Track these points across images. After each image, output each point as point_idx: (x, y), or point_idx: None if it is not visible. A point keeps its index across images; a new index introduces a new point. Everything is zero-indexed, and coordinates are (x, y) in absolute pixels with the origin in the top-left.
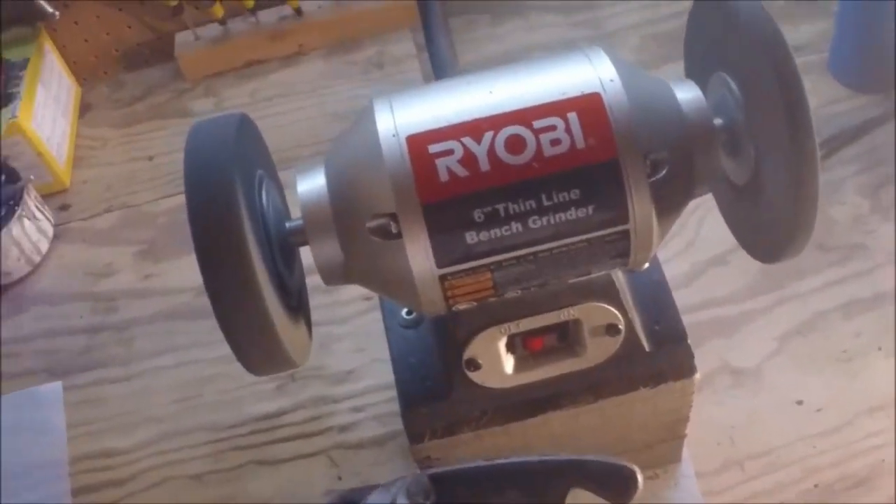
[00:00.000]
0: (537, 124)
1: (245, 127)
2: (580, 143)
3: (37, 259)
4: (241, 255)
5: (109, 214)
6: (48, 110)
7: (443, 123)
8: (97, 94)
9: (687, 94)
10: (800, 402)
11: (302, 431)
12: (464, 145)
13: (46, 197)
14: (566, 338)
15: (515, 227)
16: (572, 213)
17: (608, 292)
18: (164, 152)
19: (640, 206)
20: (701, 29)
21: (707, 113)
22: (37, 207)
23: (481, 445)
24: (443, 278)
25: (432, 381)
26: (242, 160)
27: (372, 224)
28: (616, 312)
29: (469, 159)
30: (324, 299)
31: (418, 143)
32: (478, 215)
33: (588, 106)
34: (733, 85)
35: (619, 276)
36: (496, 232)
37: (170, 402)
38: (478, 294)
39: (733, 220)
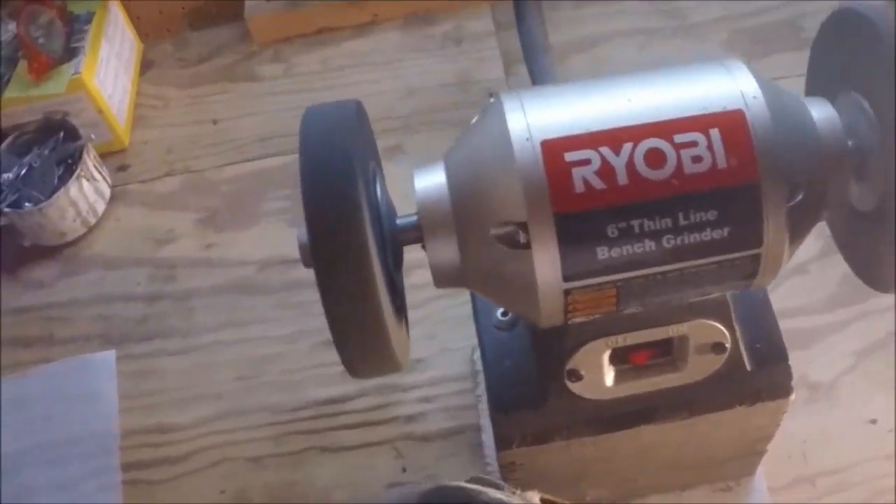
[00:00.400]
0: (678, 139)
1: (362, 115)
2: (721, 163)
3: (92, 221)
4: (363, 260)
5: (170, 178)
6: (111, 66)
7: (579, 130)
8: (160, 51)
9: (821, 113)
10: (873, 422)
11: (367, 419)
12: (601, 156)
13: (104, 156)
14: (670, 353)
15: (649, 245)
16: (707, 235)
17: (720, 311)
18: (230, 117)
19: (776, 231)
20: (833, 44)
21: (842, 135)
22: (95, 168)
23: (568, 454)
24: (567, 292)
25: (527, 388)
26: (362, 153)
27: (498, 231)
28: (725, 331)
29: (607, 171)
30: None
31: (554, 149)
32: (612, 230)
33: (731, 123)
34: (866, 105)
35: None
36: (628, 249)
37: (229, 380)
38: (598, 309)
39: (848, 244)
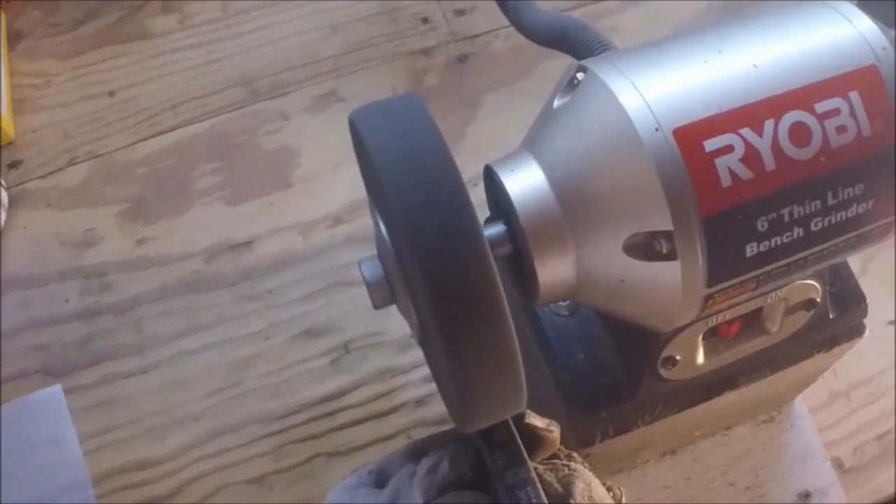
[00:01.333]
0: (820, 108)
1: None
2: (866, 130)
3: None
4: (496, 309)
5: (75, 168)
6: None
7: (713, 110)
8: (27, 18)
9: None
10: (891, 323)
11: (372, 412)
12: (744, 139)
13: None
14: (759, 317)
15: (797, 232)
16: (853, 210)
17: (820, 269)
18: (128, 85)
19: None
20: None
21: None
22: None
23: (647, 432)
24: (708, 297)
25: (609, 379)
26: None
27: (631, 242)
28: (818, 287)
29: (752, 157)
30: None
31: (690, 138)
32: (762, 224)
33: (869, 82)
34: None
35: None
36: (777, 240)
37: (205, 395)
38: (731, 303)
39: None
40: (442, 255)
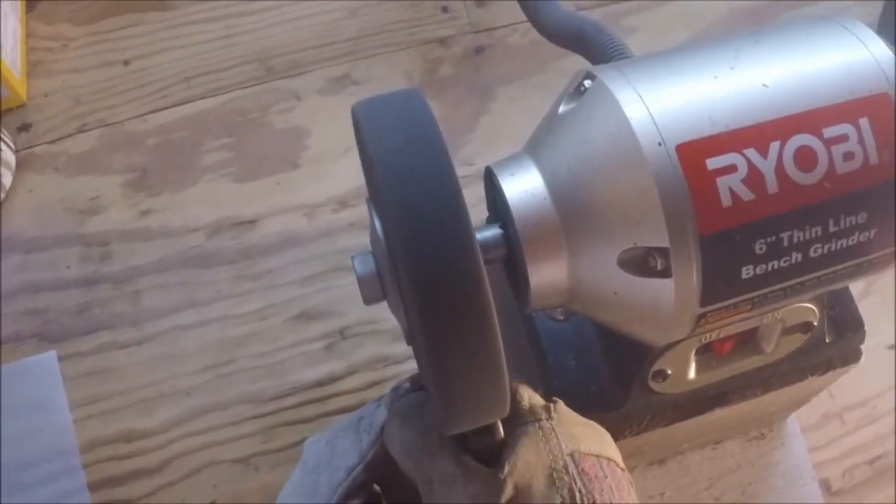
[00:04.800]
0: (828, 133)
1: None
2: (873, 158)
3: (0, 197)
4: (484, 313)
5: (84, 135)
6: None
7: (719, 128)
8: None
9: None
10: (890, 347)
11: (363, 400)
12: (748, 160)
13: (0, 115)
14: (754, 336)
15: (795, 257)
16: (854, 239)
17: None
18: (144, 55)
19: None
20: None
21: None
22: None
23: (633, 443)
24: (700, 316)
25: (598, 387)
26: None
27: (626, 256)
28: (816, 311)
29: (755, 178)
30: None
31: (692, 155)
32: (760, 247)
33: (879, 110)
34: None
35: None
36: (774, 264)
37: (197, 371)
38: (725, 323)
39: None
40: (432, 260)
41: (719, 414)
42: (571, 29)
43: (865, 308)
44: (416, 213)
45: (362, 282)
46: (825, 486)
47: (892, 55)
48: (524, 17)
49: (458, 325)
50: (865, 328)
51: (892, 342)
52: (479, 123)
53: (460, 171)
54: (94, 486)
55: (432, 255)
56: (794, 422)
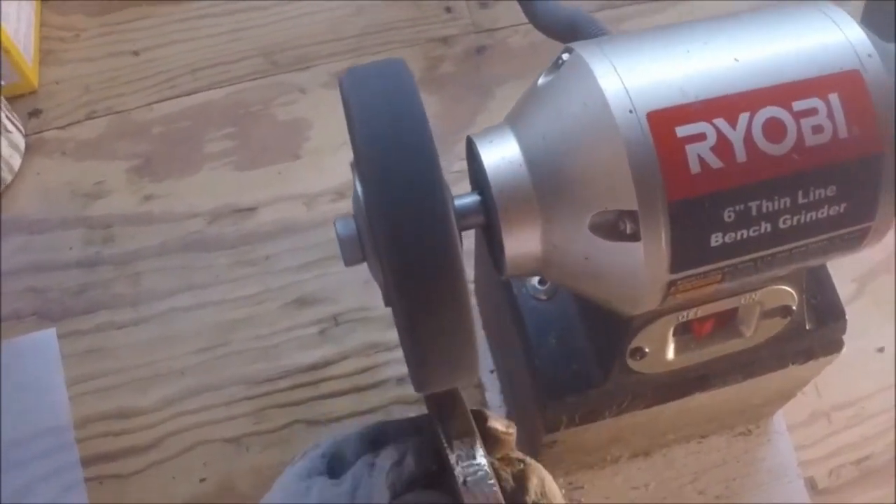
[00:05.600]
0: (797, 106)
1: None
2: (843, 133)
3: (9, 178)
4: (455, 277)
5: (93, 122)
6: None
7: (690, 98)
8: None
9: None
10: (881, 350)
11: (354, 385)
12: (717, 129)
13: (12, 101)
14: (734, 319)
15: (764, 227)
16: (823, 212)
17: (796, 275)
18: (153, 46)
19: (888, 203)
20: None
21: None
22: (7, 118)
23: (616, 425)
24: (671, 283)
25: (579, 366)
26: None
27: (597, 220)
28: (795, 294)
29: (724, 147)
30: None
31: (663, 123)
32: (728, 215)
33: (850, 86)
34: None
35: None
36: (743, 233)
37: (192, 352)
38: (698, 293)
39: None
40: (406, 222)
41: (701, 400)
42: (565, 20)
43: (857, 310)
44: (394, 177)
45: (343, 243)
46: (811, 484)
47: (865, 36)
48: (525, 19)
49: (429, 287)
50: (854, 330)
51: (882, 345)
52: (477, 121)
53: (456, 166)
54: (86, 462)
55: (406, 217)
56: (780, 419)
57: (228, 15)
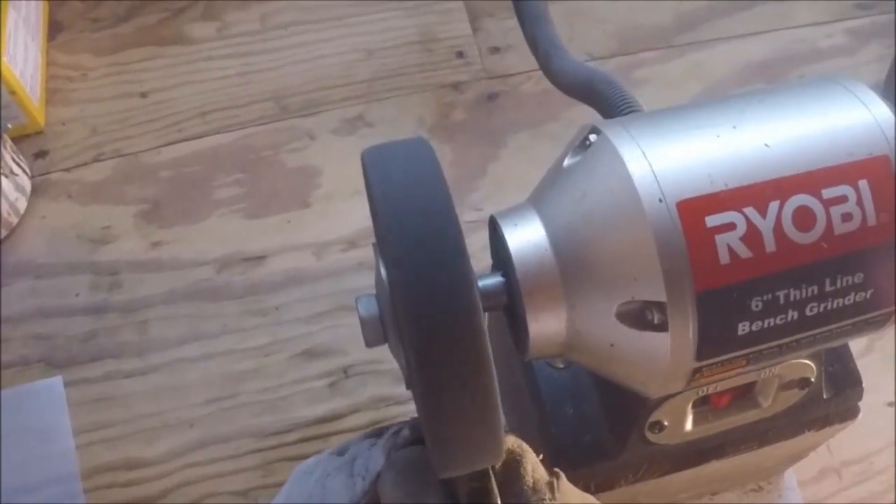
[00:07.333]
0: (827, 193)
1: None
2: (871, 220)
3: (14, 221)
4: (481, 360)
5: (100, 164)
6: (20, 36)
7: (719, 186)
8: (69, 10)
9: None
10: (890, 405)
11: None
12: (747, 218)
13: (17, 141)
14: (752, 390)
15: (791, 315)
16: (850, 299)
17: (817, 351)
18: (161, 88)
19: None
20: None
21: None
22: (13, 159)
23: (629, 491)
24: (696, 370)
25: (594, 437)
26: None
27: (623, 309)
28: (814, 367)
29: (754, 237)
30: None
31: (693, 212)
32: (756, 304)
33: (879, 172)
34: None
35: None
36: (770, 321)
37: (200, 403)
38: (721, 377)
39: None
40: (432, 309)
41: (716, 466)
42: (582, 81)
43: (867, 365)
44: (419, 261)
45: (365, 324)
46: None
47: (893, 117)
48: (538, 66)
49: (455, 373)
50: (864, 385)
51: (891, 399)
52: (488, 170)
53: (468, 216)
54: None
55: (432, 304)
56: (791, 475)
57: (237, 57)
